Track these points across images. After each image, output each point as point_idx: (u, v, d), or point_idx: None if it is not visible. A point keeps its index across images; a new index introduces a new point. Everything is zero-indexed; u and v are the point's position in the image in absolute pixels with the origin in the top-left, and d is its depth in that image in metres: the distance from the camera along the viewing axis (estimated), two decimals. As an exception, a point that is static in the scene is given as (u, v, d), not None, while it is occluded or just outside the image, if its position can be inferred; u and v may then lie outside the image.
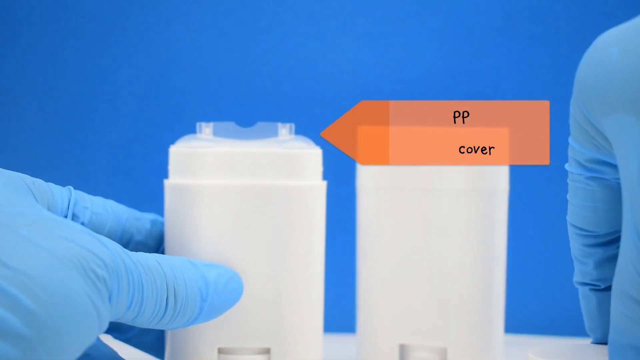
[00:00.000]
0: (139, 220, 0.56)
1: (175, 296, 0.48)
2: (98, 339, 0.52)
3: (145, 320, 0.47)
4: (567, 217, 0.51)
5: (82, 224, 0.52)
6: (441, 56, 0.75)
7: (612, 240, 0.50)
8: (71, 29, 0.75)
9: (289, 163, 0.54)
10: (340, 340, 0.72)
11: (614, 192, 0.49)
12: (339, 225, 0.73)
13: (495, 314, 0.57)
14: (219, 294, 0.50)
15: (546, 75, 0.75)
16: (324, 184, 0.55)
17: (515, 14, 0.74)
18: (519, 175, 0.74)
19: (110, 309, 0.44)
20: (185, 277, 0.49)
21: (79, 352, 0.41)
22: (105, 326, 0.44)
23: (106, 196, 0.55)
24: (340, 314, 0.74)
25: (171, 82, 0.75)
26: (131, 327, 0.57)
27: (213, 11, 0.75)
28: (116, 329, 0.56)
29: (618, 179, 0.48)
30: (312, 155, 0.55)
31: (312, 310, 0.55)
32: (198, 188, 0.54)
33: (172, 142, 0.55)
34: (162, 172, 0.59)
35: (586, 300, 0.52)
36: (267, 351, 0.55)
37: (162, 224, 0.57)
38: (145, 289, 0.46)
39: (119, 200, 0.74)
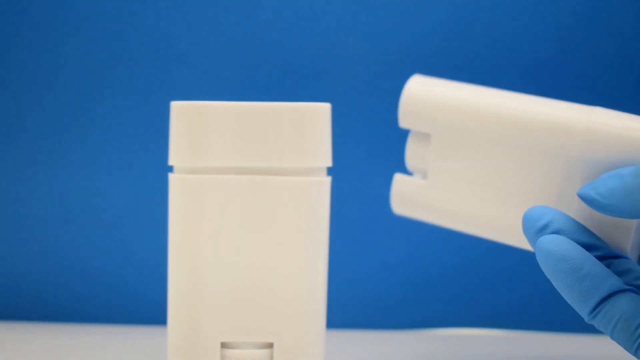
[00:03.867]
0: None
1: None
2: None
3: None
4: None
5: None
6: (442, 54, 0.75)
7: None
8: (72, 27, 0.75)
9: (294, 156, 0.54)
10: (341, 336, 0.72)
11: None
12: (338, 220, 0.73)
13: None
14: None
15: (546, 75, 0.75)
16: (329, 179, 0.55)
17: (516, 11, 0.75)
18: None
19: None
20: None
21: None
22: None
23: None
24: (340, 309, 0.74)
25: (170, 78, 0.75)
26: None
27: (212, 8, 0.75)
28: None
29: None
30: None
31: (315, 305, 0.55)
32: (203, 182, 0.54)
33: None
34: (164, 166, 0.59)
35: None
36: (270, 346, 0.55)
37: None
38: None
39: (121, 193, 0.75)
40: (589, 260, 0.51)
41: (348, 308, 0.75)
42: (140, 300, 0.75)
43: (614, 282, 0.51)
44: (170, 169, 0.56)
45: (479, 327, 0.76)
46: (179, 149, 0.55)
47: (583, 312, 0.51)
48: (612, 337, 0.50)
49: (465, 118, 0.57)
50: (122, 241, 0.75)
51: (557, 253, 0.52)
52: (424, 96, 0.58)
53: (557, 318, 0.75)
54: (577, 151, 0.54)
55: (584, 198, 0.52)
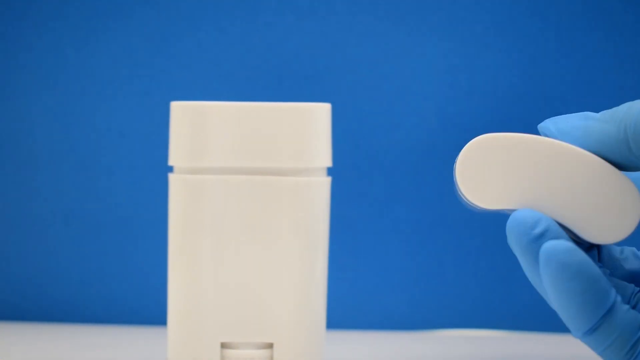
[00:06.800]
0: None
1: None
2: None
3: None
4: None
5: None
6: (442, 54, 0.75)
7: None
8: (72, 27, 0.75)
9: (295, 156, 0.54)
10: (341, 336, 0.72)
11: None
12: (338, 220, 0.73)
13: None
14: None
15: (547, 74, 0.75)
16: (329, 179, 0.55)
17: (516, 12, 0.75)
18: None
19: None
20: None
21: None
22: None
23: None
24: (340, 309, 0.74)
25: (170, 78, 0.75)
26: None
27: (213, 8, 0.75)
28: None
29: None
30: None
31: (315, 305, 0.55)
32: (203, 182, 0.54)
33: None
34: (164, 166, 0.59)
35: None
36: (270, 346, 0.55)
37: None
38: None
39: (121, 193, 0.75)
40: (602, 275, 0.47)
41: (348, 308, 0.75)
42: (140, 300, 0.75)
43: (617, 298, 0.48)
44: (170, 169, 0.56)
45: (480, 328, 0.76)
46: (179, 149, 0.55)
47: (581, 328, 0.48)
48: (602, 356, 0.47)
49: None
50: (122, 241, 0.75)
51: (574, 267, 0.48)
52: None
53: (557, 318, 0.75)
54: None
55: (542, 131, 0.48)
